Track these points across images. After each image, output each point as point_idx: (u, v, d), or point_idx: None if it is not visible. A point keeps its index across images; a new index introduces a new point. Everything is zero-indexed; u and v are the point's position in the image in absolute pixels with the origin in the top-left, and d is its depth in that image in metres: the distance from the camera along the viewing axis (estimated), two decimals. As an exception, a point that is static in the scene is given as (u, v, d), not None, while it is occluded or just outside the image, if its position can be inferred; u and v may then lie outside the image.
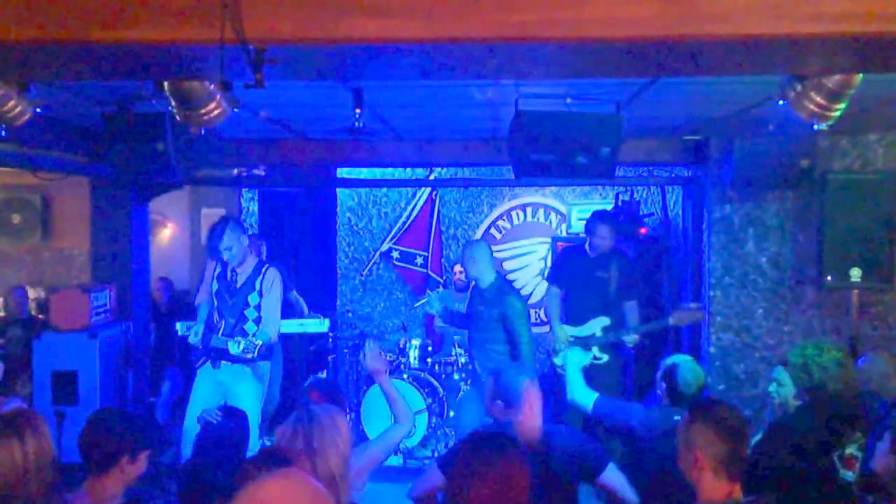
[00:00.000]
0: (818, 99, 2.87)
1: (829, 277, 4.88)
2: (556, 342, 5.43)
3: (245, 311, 4.87)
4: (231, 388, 4.84)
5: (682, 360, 3.50)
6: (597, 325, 5.29)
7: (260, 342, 4.63)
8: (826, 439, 3.12)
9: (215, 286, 4.94)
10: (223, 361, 4.84)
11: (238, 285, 4.88)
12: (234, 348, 4.61)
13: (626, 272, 5.38)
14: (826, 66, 2.66)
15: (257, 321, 4.85)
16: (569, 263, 5.60)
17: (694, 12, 2.13)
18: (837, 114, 2.92)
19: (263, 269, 4.92)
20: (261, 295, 4.87)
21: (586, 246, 5.46)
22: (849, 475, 3.06)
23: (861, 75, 2.79)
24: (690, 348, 5.62)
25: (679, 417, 2.56)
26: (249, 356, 4.64)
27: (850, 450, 3.12)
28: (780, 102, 3.01)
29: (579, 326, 5.34)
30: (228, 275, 4.89)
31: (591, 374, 5.15)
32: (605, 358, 5.23)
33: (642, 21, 2.14)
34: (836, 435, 3.13)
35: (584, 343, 5.15)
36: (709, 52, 2.33)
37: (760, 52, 2.33)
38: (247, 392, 4.82)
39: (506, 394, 3.11)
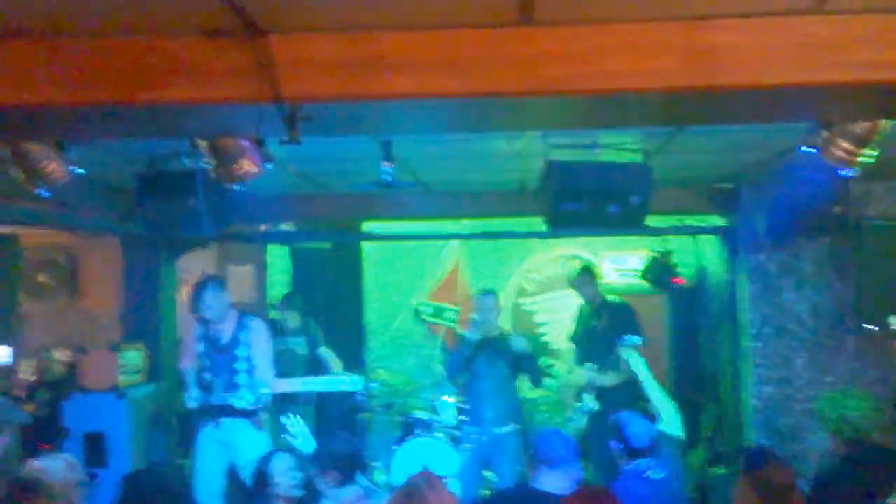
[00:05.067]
0: (845, 145, 2.88)
1: (866, 325, 4.79)
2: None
3: (235, 365, 4.92)
4: (234, 443, 4.87)
5: (628, 415, 3.57)
6: (585, 373, 5.41)
7: (263, 391, 4.76)
8: (872, 489, 3.03)
9: (201, 347, 5.00)
10: (224, 419, 4.87)
11: (224, 342, 4.96)
12: (239, 403, 4.72)
13: (621, 318, 5.48)
14: (849, 113, 2.69)
15: (249, 372, 4.91)
16: (578, 314, 5.93)
17: (716, 63, 2.17)
18: (865, 159, 2.90)
19: (247, 322, 5.03)
20: (249, 346, 4.95)
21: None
22: None
23: (888, 122, 2.77)
24: (733, 402, 5.49)
25: None
26: (255, 406, 4.73)
27: (895, 499, 3.02)
28: (805, 149, 3.01)
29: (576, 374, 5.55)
30: (212, 333, 4.97)
31: (586, 424, 5.35)
32: (597, 406, 5.29)
33: (667, 73, 2.19)
34: (881, 484, 3.05)
35: (578, 391, 5.39)
36: (732, 101, 2.38)
37: (783, 100, 2.37)
38: (250, 442, 4.82)
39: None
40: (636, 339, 4.86)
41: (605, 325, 5.49)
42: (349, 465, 3.38)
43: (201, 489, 4.79)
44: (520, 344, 5.32)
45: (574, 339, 5.93)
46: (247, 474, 4.74)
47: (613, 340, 5.22)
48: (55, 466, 2.93)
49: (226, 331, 4.98)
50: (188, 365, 5.12)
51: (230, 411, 4.85)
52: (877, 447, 3.14)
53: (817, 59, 2.14)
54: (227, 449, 4.90)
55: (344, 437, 3.63)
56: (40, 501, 2.37)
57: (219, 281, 5.12)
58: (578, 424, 5.40)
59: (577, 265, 6.20)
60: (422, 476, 2.44)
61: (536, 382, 5.51)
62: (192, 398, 4.97)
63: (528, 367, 5.36)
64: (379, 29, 2.20)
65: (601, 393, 5.33)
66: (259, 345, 4.99)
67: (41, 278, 6.59)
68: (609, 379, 5.28)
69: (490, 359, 5.29)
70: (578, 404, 5.44)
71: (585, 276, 5.77)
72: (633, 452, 3.41)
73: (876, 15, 2.11)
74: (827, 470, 3.42)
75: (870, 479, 3.09)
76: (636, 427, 3.46)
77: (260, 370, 4.93)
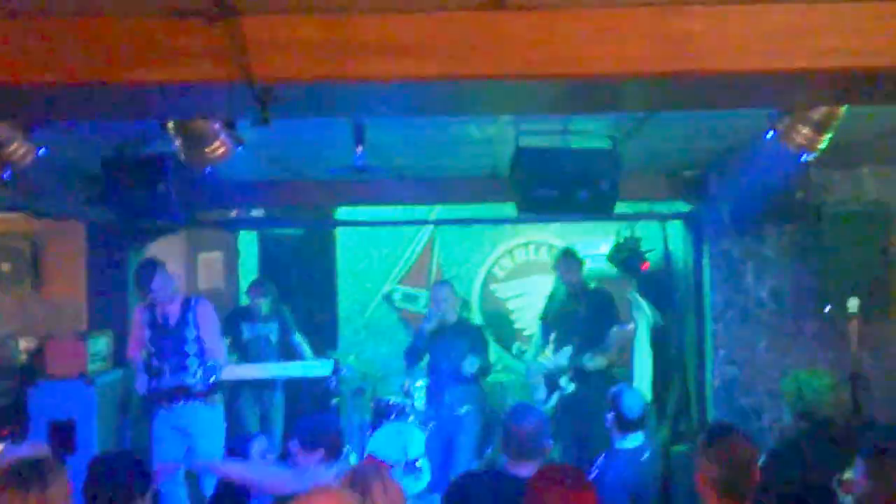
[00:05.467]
0: (804, 131, 2.96)
1: (827, 308, 4.92)
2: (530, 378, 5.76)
3: (184, 347, 4.93)
4: (189, 428, 4.87)
5: (624, 388, 3.73)
6: (563, 356, 5.45)
7: (214, 364, 4.77)
8: (825, 464, 3.15)
9: (148, 333, 4.99)
10: (178, 403, 4.86)
11: (171, 325, 4.96)
12: (191, 379, 4.73)
13: (599, 300, 5.59)
14: (812, 99, 2.76)
15: (198, 354, 4.91)
16: (552, 295, 5.96)
17: (686, 50, 2.22)
18: (823, 145, 2.99)
19: (193, 304, 5.05)
20: (197, 327, 4.96)
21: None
22: (847, 500, 3.06)
23: (845, 107, 2.86)
24: (697, 382, 5.62)
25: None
26: (212, 380, 4.72)
27: (849, 474, 3.13)
28: (769, 135, 3.09)
29: (551, 358, 5.55)
30: (159, 318, 4.97)
31: (562, 407, 5.42)
32: (571, 388, 5.37)
33: (637, 58, 2.22)
34: (835, 459, 3.17)
35: (553, 375, 5.40)
36: (700, 87, 2.43)
37: (749, 86, 2.43)
38: (206, 425, 4.86)
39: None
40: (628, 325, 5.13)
41: (585, 311, 5.52)
42: (335, 444, 3.40)
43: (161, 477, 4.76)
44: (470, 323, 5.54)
45: (545, 319, 5.93)
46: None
47: (595, 326, 5.39)
48: (25, 454, 2.87)
49: (172, 313, 4.97)
50: (135, 354, 5.09)
51: (183, 394, 4.84)
52: (831, 423, 3.25)
53: (782, 47, 2.19)
54: (183, 435, 4.89)
55: (329, 416, 3.67)
56: (51, 486, 2.32)
57: (161, 264, 5.08)
58: (548, 405, 5.48)
59: (558, 250, 6.14)
60: (369, 465, 2.48)
61: (482, 372, 5.62)
62: (142, 384, 4.93)
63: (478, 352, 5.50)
64: (353, 11, 2.20)
65: (578, 375, 5.39)
66: (207, 324, 4.99)
67: (4, 267, 6.48)
68: (597, 362, 5.33)
69: (446, 344, 5.48)
70: (544, 388, 5.51)
71: (570, 262, 5.73)
72: (627, 425, 3.53)
73: (838, 4, 2.18)
74: (782, 443, 3.53)
75: (823, 454, 3.20)
76: (631, 399, 3.58)
77: (210, 351, 4.93)
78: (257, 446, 3.45)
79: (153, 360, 4.94)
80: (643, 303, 5.23)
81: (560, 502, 2.31)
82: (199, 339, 4.94)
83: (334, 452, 3.41)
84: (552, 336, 5.62)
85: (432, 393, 5.68)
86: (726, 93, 2.52)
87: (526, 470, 2.94)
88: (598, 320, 5.46)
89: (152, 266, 5.00)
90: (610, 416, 3.62)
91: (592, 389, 5.15)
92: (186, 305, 5.02)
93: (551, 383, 5.48)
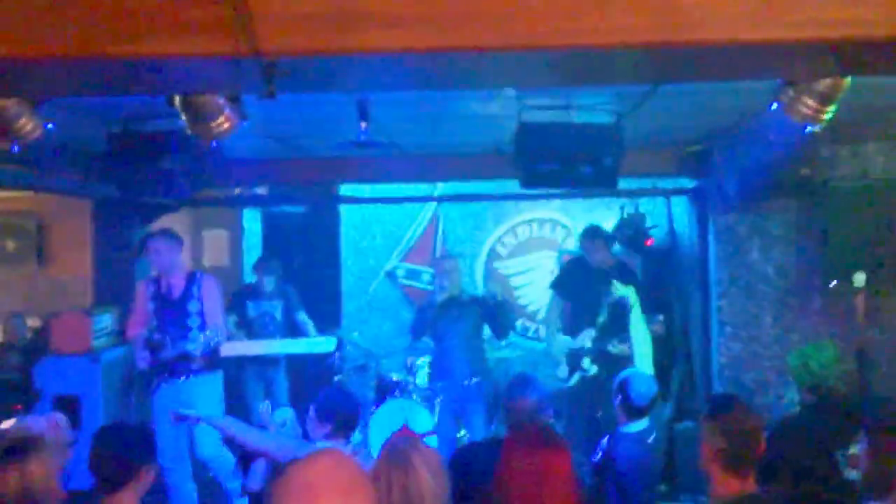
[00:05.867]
0: (809, 102, 2.96)
1: (833, 283, 4.93)
2: (554, 354, 5.53)
3: (187, 321, 4.94)
4: (191, 402, 4.79)
5: (634, 373, 3.62)
6: (586, 337, 5.34)
7: (210, 333, 4.75)
8: (831, 438, 3.16)
9: (151, 306, 5.00)
10: (178, 378, 4.86)
11: (175, 297, 4.97)
12: (193, 346, 4.72)
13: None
14: (813, 70, 2.76)
15: (200, 328, 4.92)
16: (571, 275, 5.73)
17: (685, 20, 2.21)
18: (828, 116, 2.99)
19: (198, 277, 5.06)
20: (200, 301, 4.96)
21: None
22: (853, 474, 3.08)
23: (849, 79, 2.85)
24: (702, 359, 5.63)
25: None
26: (213, 343, 4.74)
27: (855, 449, 3.14)
28: (774, 106, 3.08)
29: (574, 338, 5.42)
30: (163, 289, 4.97)
31: (582, 388, 5.33)
32: (594, 370, 5.26)
33: (637, 29, 2.23)
34: (841, 434, 3.17)
35: (576, 355, 5.27)
36: (700, 57, 2.43)
37: (749, 57, 2.43)
38: (207, 399, 4.85)
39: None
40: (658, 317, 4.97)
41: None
42: (345, 422, 3.39)
43: (165, 452, 4.78)
44: (490, 296, 5.47)
45: (560, 289, 5.74)
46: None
47: (621, 312, 5.11)
48: (41, 425, 2.91)
49: (176, 286, 4.98)
50: (135, 331, 5.07)
51: (184, 368, 4.83)
52: (838, 397, 3.25)
53: (780, 17, 2.20)
54: (184, 408, 4.90)
55: (351, 396, 3.66)
56: (30, 462, 2.35)
57: (171, 233, 5.08)
58: (568, 384, 5.43)
59: (582, 230, 5.77)
60: (403, 437, 2.38)
61: (500, 334, 5.60)
62: (143, 359, 4.91)
63: (494, 316, 5.42)
64: (355, -18, 2.20)
65: (600, 358, 5.25)
66: (211, 299, 5.00)
67: (9, 245, 6.52)
68: (621, 350, 5.09)
69: (453, 317, 5.44)
70: (566, 367, 5.43)
71: (596, 240, 5.47)
72: (635, 411, 3.47)
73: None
74: (789, 417, 3.54)
75: (829, 427, 3.20)
76: (641, 386, 3.50)
77: (212, 326, 4.92)
78: (279, 416, 3.48)
79: (155, 334, 4.94)
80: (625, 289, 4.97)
81: (529, 461, 2.26)
82: (201, 314, 4.95)
83: (343, 431, 3.39)
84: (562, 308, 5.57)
85: (439, 367, 5.68)
86: (724, 64, 2.52)
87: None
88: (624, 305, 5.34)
89: (163, 231, 5.06)
90: (617, 400, 3.56)
91: (615, 374, 5.04)
92: (191, 279, 5.03)
93: (573, 363, 5.38)
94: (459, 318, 5.44)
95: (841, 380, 3.29)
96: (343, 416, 3.40)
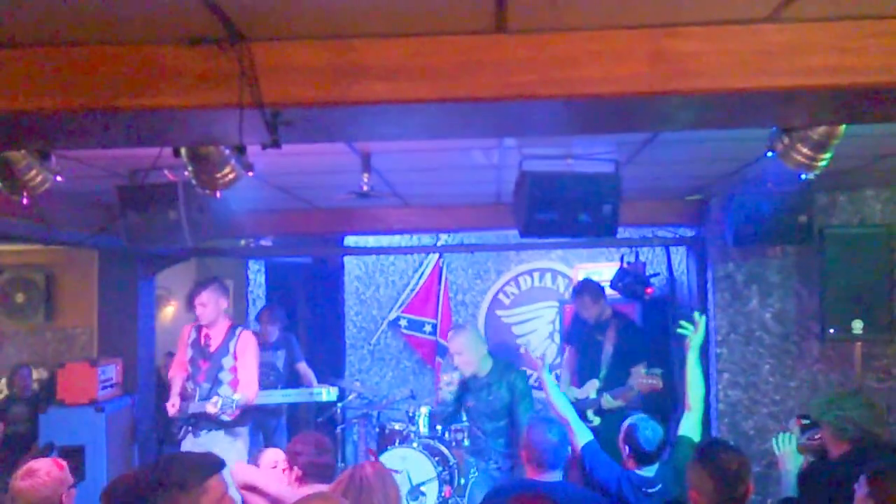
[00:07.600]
0: (804, 150, 2.97)
1: (831, 330, 4.93)
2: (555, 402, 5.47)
3: (219, 375, 4.92)
4: None
5: (639, 420, 3.55)
6: (590, 388, 5.36)
7: (237, 398, 4.69)
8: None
9: (189, 353, 5.00)
10: (203, 431, 4.86)
11: (212, 350, 4.95)
12: (211, 408, 4.66)
13: (628, 336, 5.43)
14: (809, 118, 2.78)
15: (232, 384, 4.90)
16: (575, 326, 5.81)
17: (681, 69, 2.24)
18: (823, 164, 3.02)
19: (237, 332, 5.03)
20: (235, 357, 4.94)
21: None
22: None
23: (844, 126, 2.90)
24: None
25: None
26: (227, 414, 4.66)
27: None
28: (769, 154, 3.12)
29: (580, 389, 5.44)
30: (202, 340, 4.98)
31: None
32: (597, 421, 5.19)
33: (633, 78, 2.24)
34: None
35: (581, 406, 5.16)
36: (696, 106, 2.45)
37: (745, 105, 2.45)
38: (226, 457, 4.77)
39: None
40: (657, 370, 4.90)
41: (612, 347, 5.35)
42: (315, 471, 3.27)
43: None
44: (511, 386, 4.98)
45: (569, 340, 5.82)
46: None
47: (620, 362, 5.21)
48: (47, 465, 2.97)
49: (215, 338, 4.97)
50: (177, 374, 5.09)
51: (207, 423, 4.82)
52: (878, 443, 3.15)
53: (775, 65, 2.23)
54: None
55: (324, 442, 3.50)
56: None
57: (220, 283, 5.11)
58: None
59: (574, 286, 5.82)
60: (370, 463, 2.46)
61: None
62: (172, 405, 4.94)
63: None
64: (357, 37, 2.27)
65: (600, 411, 5.21)
66: (245, 356, 4.96)
67: (18, 298, 6.58)
68: (612, 403, 5.10)
69: (479, 394, 5.06)
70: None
71: (583, 299, 5.48)
72: (645, 457, 3.42)
73: (833, 22, 2.21)
74: (820, 463, 3.39)
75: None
76: (646, 431, 3.44)
77: (244, 384, 4.89)
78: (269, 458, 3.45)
79: (188, 382, 4.95)
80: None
81: None
82: (234, 370, 4.92)
83: (312, 477, 3.24)
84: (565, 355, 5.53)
85: (474, 443, 5.41)
86: (720, 113, 2.54)
87: (549, 478, 3.15)
88: (623, 356, 5.30)
89: (210, 280, 5.05)
90: (626, 449, 3.50)
91: (611, 426, 4.82)
92: (230, 333, 5.01)
93: (578, 414, 5.37)
94: (485, 395, 5.03)
95: (878, 424, 3.18)
96: (310, 464, 3.25)
